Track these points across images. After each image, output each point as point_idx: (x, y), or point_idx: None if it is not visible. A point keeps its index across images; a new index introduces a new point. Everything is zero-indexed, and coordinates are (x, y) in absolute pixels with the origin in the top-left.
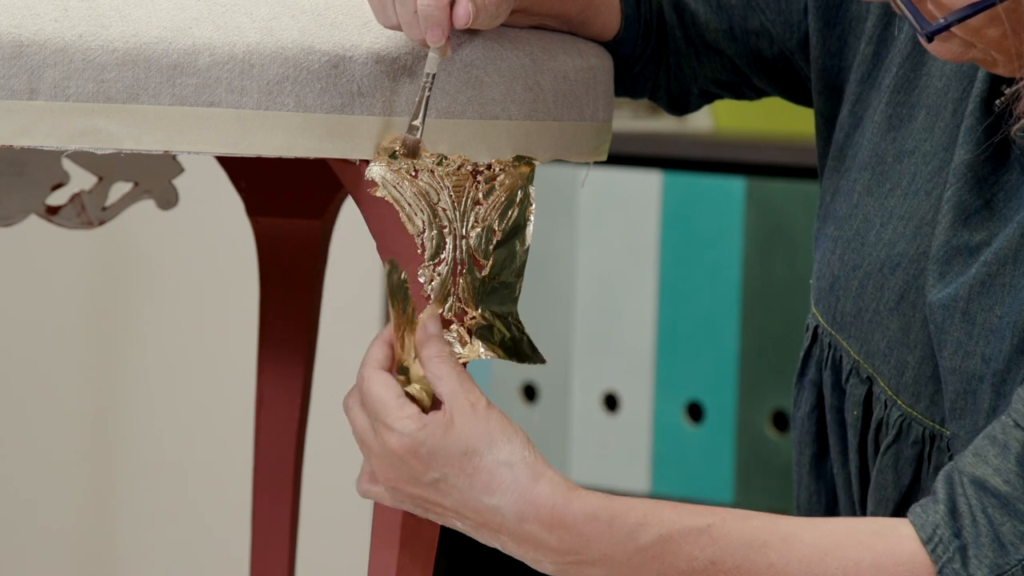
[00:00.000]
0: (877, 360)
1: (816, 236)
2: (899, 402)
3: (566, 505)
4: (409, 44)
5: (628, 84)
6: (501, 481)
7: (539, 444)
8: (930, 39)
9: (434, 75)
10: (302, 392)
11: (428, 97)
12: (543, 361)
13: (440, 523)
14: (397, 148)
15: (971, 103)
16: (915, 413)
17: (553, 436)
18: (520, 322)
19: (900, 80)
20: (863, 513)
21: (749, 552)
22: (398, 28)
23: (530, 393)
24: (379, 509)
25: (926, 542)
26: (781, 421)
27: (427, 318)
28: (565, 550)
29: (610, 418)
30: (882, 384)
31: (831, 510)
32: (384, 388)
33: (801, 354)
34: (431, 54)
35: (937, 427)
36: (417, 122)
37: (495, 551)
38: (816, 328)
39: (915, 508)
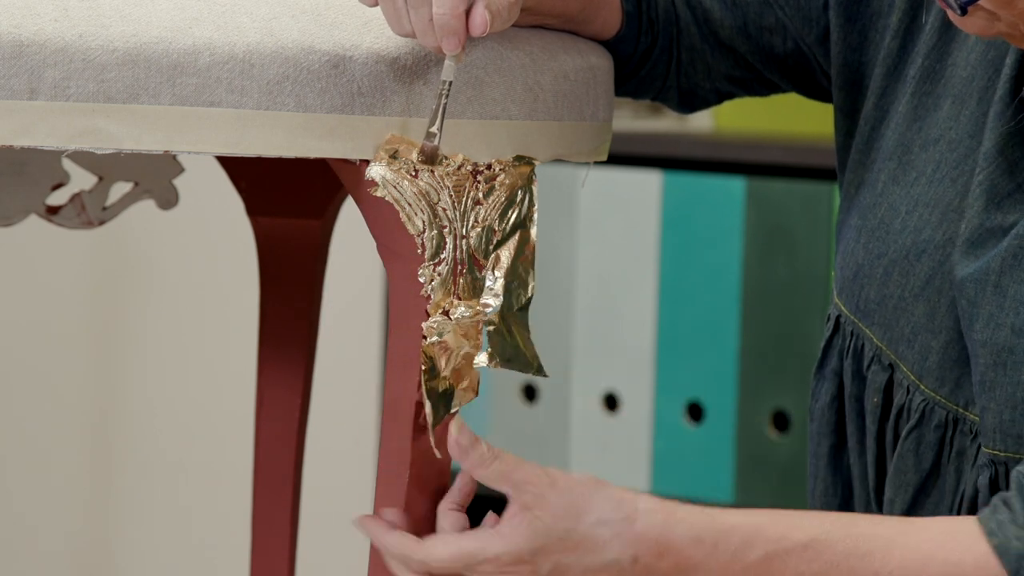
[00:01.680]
0: (901, 346)
1: (839, 228)
2: (922, 387)
3: (669, 531)
4: (409, 44)
5: (635, 85)
6: (604, 539)
7: (539, 444)
8: (964, 10)
9: (451, 82)
10: (302, 392)
11: (445, 104)
12: (544, 374)
13: None
14: (415, 155)
15: (999, 88)
16: (938, 397)
17: (553, 436)
18: (526, 329)
19: (925, 71)
20: (877, 503)
21: (853, 562)
22: (412, 36)
23: (530, 393)
24: (379, 507)
25: None
26: (781, 421)
27: (455, 430)
28: (680, 571)
29: (610, 418)
30: (904, 370)
31: (847, 504)
32: (447, 544)
33: (822, 345)
34: (447, 62)
35: (961, 411)
36: (434, 129)
37: None
38: (839, 318)
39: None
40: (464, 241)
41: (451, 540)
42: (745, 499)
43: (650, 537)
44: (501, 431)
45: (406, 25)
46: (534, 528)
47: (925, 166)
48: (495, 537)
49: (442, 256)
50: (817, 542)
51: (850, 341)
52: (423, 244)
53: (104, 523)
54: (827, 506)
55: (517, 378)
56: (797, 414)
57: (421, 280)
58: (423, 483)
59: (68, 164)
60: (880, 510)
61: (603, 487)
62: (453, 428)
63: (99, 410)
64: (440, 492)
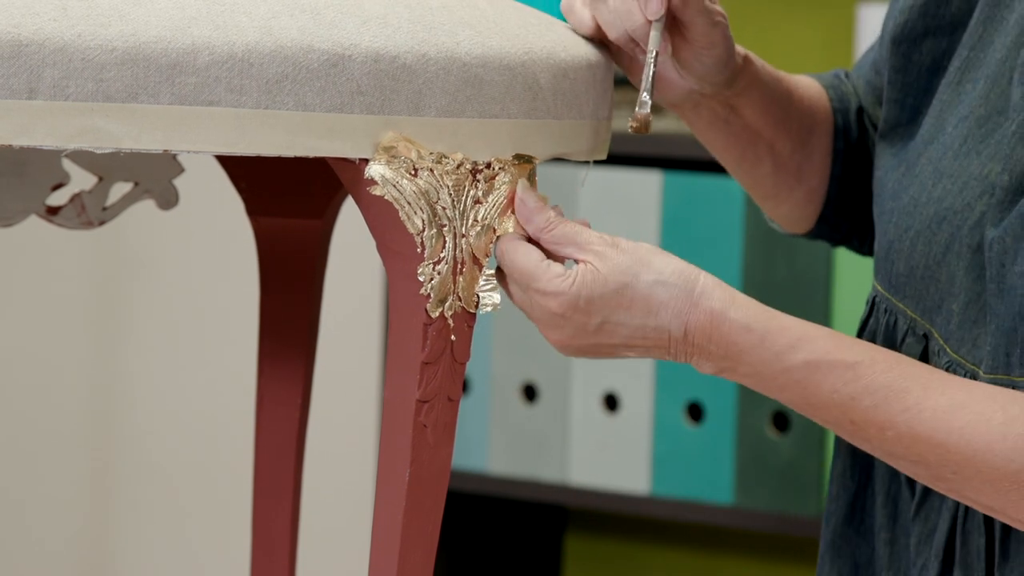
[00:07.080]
0: (932, 313)
1: (876, 218)
2: (947, 349)
3: (723, 312)
4: (408, 43)
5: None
6: (659, 300)
7: (539, 444)
8: None
9: (657, 52)
10: (302, 392)
11: (654, 73)
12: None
13: (614, 358)
14: (629, 123)
15: None
16: (958, 358)
17: (553, 436)
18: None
19: (967, 61)
20: (908, 481)
21: (888, 394)
22: (597, 33)
23: (530, 393)
24: (379, 509)
25: None
26: (781, 421)
27: (523, 193)
28: (722, 355)
29: (610, 418)
30: (936, 336)
31: (863, 489)
32: (525, 257)
33: (857, 327)
34: (652, 32)
35: (977, 370)
36: (646, 97)
37: (493, 551)
38: (874, 299)
39: None
40: (464, 240)
41: (529, 252)
42: (745, 499)
43: (705, 310)
44: (501, 431)
45: (587, 23)
46: (591, 277)
47: (953, 141)
48: (562, 276)
49: (442, 255)
50: (860, 366)
51: (884, 319)
52: (422, 243)
53: (104, 523)
54: (844, 488)
55: (517, 378)
56: (797, 414)
57: (421, 279)
58: (423, 483)
59: (68, 164)
60: (909, 490)
61: (666, 253)
62: (520, 190)
63: (99, 410)
64: (440, 492)
